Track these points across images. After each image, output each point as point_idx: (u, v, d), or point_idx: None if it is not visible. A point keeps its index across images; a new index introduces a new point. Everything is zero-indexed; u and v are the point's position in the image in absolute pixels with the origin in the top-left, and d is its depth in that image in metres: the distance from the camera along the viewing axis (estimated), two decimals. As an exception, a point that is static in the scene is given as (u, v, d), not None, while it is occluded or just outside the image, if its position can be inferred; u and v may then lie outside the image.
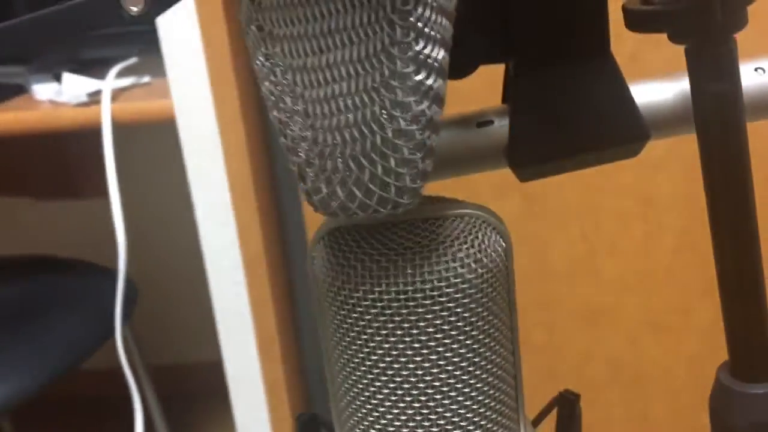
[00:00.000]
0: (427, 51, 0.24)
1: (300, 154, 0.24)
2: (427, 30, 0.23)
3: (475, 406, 0.29)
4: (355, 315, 0.28)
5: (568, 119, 0.33)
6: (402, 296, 0.27)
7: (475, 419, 0.29)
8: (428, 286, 0.27)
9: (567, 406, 0.39)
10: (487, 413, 0.29)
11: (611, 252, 0.97)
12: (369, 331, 0.28)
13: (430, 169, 0.25)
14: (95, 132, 0.99)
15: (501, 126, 0.34)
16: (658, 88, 0.34)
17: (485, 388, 0.29)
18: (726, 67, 0.27)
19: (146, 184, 1.41)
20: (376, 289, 0.27)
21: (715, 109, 0.28)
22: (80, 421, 1.61)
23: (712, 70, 0.27)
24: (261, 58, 0.24)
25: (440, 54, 0.24)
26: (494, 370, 0.29)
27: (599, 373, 1.01)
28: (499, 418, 0.30)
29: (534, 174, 0.35)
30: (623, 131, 0.33)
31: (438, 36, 0.24)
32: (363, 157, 0.24)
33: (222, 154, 0.94)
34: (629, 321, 0.99)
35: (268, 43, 0.24)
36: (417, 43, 0.23)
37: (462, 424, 0.29)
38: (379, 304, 0.27)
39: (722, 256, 0.30)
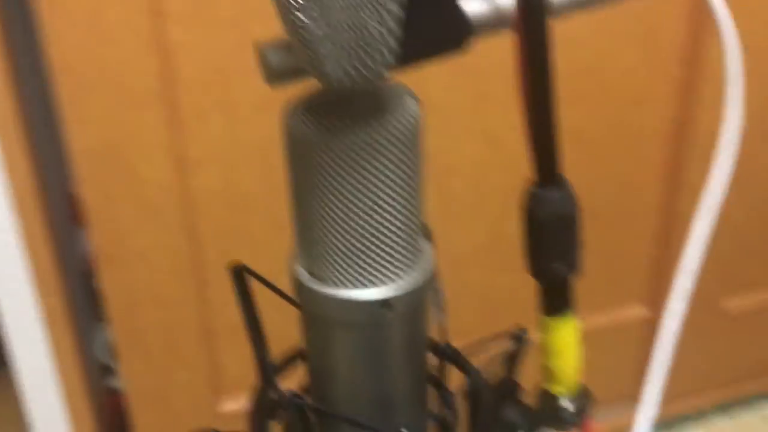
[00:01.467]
0: None
1: (315, 43, 0.34)
2: None
3: (412, 208, 0.43)
4: (347, 158, 0.40)
5: (410, 27, 0.40)
6: (390, 135, 0.40)
7: (410, 215, 0.43)
8: (401, 126, 0.40)
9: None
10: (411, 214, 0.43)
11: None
12: (362, 166, 0.40)
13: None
14: None
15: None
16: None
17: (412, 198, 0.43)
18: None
19: None
20: (373, 133, 0.40)
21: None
22: None
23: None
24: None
25: None
26: (417, 189, 0.43)
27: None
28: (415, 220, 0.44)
29: None
30: (453, 31, 0.43)
31: None
32: (367, 35, 0.36)
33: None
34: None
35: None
36: None
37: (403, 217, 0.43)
38: (375, 145, 0.40)
39: (530, 96, 0.42)
